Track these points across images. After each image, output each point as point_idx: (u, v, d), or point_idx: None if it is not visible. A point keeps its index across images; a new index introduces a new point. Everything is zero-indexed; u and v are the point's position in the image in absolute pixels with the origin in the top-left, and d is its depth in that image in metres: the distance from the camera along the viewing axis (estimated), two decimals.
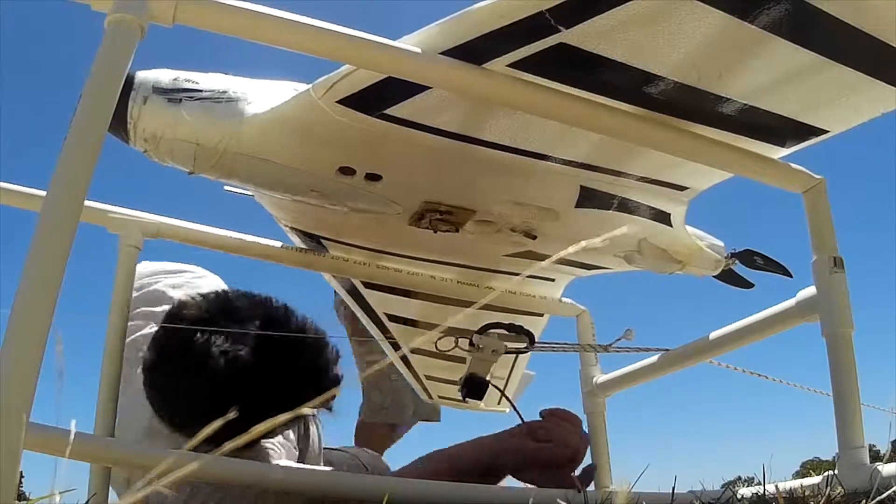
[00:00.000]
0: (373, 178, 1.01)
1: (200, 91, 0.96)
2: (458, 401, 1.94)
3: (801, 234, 0.98)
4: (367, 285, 1.43)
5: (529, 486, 0.94)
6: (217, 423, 0.27)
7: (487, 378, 1.03)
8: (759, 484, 0.90)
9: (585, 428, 1.40)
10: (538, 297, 1.44)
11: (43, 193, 0.63)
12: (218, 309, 0.91)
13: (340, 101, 0.87)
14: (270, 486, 0.72)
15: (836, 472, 0.86)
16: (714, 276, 1.34)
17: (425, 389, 1.95)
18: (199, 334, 0.87)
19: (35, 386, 0.54)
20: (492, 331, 1.01)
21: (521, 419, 1.01)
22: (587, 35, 0.75)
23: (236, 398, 0.80)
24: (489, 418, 2.02)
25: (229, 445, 0.27)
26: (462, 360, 1.18)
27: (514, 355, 1.09)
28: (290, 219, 1.27)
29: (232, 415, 0.28)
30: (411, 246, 1.28)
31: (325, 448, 1.30)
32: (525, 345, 1.05)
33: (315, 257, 1.32)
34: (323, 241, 1.30)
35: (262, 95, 0.96)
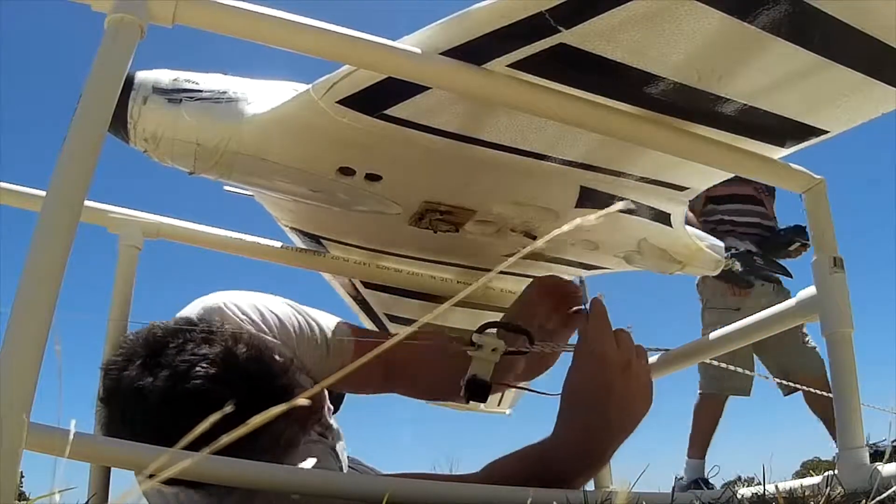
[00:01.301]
0: (373, 178, 1.01)
1: (200, 91, 0.97)
2: (459, 402, 1.95)
3: None
4: (367, 285, 1.43)
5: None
6: (214, 417, 0.27)
7: (489, 379, 1.02)
8: (759, 484, 0.90)
9: None
10: None
11: (43, 193, 0.63)
12: (144, 345, 0.87)
13: (340, 102, 0.87)
14: (270, 486, 0.72)
15: (836, 472, 0.86)
16: (714, 277, 1.34)
17: None
18: (126, 372, 0.82)
19: (35, 386, 0.54)
20: (490, 330, 1.00)
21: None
22: (587, 35, 0.75)
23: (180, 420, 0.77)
24: (491, 419, 2.02)
25: (223, 441, 0.27)
26: None
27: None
28: (290, 219, 1.27)
29: (229, 408, 0.28)
30: (411, 246, 1.28)
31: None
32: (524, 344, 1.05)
33: (315, 257, 1.32)
34: (323, 241, 1.30)
35: (262, 95, 0.96)
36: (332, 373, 1.18)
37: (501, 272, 1.35)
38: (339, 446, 1.17)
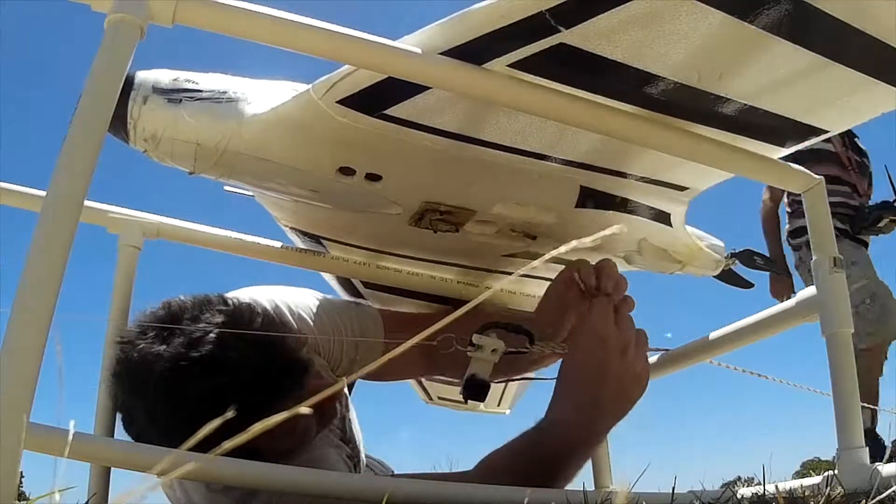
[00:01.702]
0: (373, 178, 1.01)
1: (200, 91, 0.96)
2: (459, 402, 1.95)
3: None
4: (367, 285, 1.43)
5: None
6: (216, 423, 0.27)
7: (488, 379, 1.02)
8: (759, 484, 0.90)
9: None
10: (538, 298, 1.44)
11: (43, 193, 0.63)
12: (160, 318, 0.86)
13: (340, 102, 0.87)
14: (270, 486, 0.72)
15: (836, 472, 0.86)
16: (714, 276, 1.34)
17: (425, 390, 1.95)
18: (139, 343, 0.83)
19: (35, 386, 0.54)
20: (491, 330, 1.00)
21: None
22: (587, 35, 0.75)
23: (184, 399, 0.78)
24: (491, 419, 2.02)
25: (227, 444, 0.27)
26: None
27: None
28: (290, 219, 1.27)
29: (230, 414, 0.28)
30: (411, 246, 1.28)
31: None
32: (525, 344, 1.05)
33: (315, 257, 1.32)
34: (323, 241, 1.30)
35: (262, 95, 0.96)
36: (363, 361, 1.18)
37: (500, 272, 1.35)
38: (359, 454, 1.16)
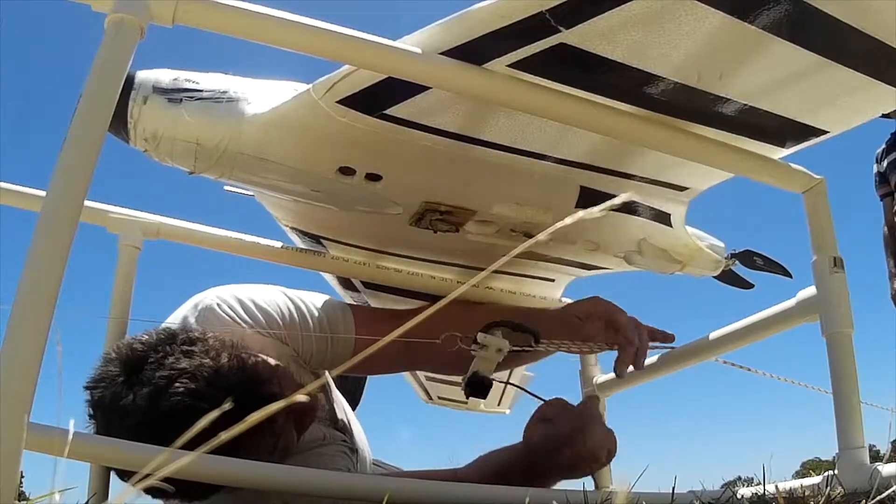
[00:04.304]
0: (373, 178, 1.01)
1: (201, 91, 0.96)
2: (459, 402, 1.95)
3: (801, 234, 0.98)
4: (368, 285, 1.43)
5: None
6: (213, 415, 0.27)
7: (491, 377, 1.02)
8: (759, 484, 0.90)
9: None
10: (538, 298, 1.44)
11: (43, 193, 0.63)
12: (125, 360, 0.85)
13: (341, 102, 0.87)
14: (269, 486, 0.72)
15: (836, 472, 0.86)
16: (714, 277, 1.34)
17: (425, 391, 1.95)
18: (108, 390, 0.82)
19: (35, 386, 0.54)
20: (496, 329, 1.00)
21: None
22: (587, 35, 0.75)
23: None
24: (491, 419, 2.02)
25: (217, 441, 0.27)
26: None
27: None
28: (290, 219, 1.27)
29: (228, 405, 0.28)
30: (411, 246, 1.28)
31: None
32: (531, 343, 1.05)
33: (315, 257, 1.32)
34: (323, 241, 1.30)
35: (262, 95, 0.96)
36: (336, 358, 1.17)
37: (501, 272, 1.35)
38: (358, 444, 1.16)
